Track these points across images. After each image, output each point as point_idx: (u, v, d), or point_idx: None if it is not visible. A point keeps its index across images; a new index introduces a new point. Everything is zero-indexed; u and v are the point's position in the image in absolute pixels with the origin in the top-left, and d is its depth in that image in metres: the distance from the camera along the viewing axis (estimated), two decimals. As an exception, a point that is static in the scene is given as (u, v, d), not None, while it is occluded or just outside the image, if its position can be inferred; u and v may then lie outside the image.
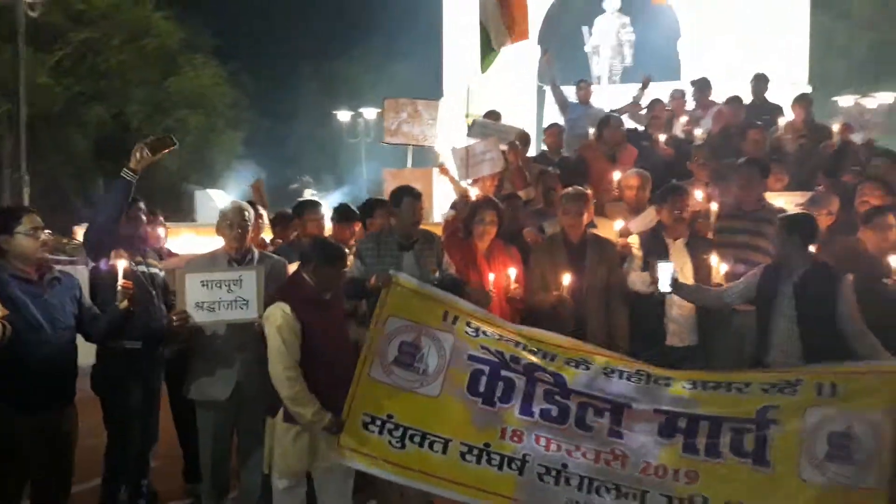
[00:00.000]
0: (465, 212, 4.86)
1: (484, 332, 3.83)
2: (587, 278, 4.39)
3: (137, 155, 3.81)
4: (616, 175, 5.56)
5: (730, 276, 4.45)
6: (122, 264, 3.54)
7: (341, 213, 5.33)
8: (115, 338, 3.69)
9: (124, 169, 3.81)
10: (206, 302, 3.75)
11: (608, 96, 12.94)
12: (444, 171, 6.88)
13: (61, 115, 24.34)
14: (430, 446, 3.69)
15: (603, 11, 15.94)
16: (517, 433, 3.66)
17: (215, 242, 4.23)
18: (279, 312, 3.62)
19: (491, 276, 4.32)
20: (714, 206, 5.08)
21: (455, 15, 16.73)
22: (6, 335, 2.91)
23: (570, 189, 4.68)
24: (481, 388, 3.74)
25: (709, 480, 3.41)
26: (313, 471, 3.82)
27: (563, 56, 16.20)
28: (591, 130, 6.95)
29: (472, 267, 4.48)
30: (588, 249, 4.51)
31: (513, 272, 4.33)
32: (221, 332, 3.96)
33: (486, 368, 3.76)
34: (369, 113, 26.38)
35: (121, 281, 3.49)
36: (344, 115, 26.48)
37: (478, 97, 15.38)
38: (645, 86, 8.79)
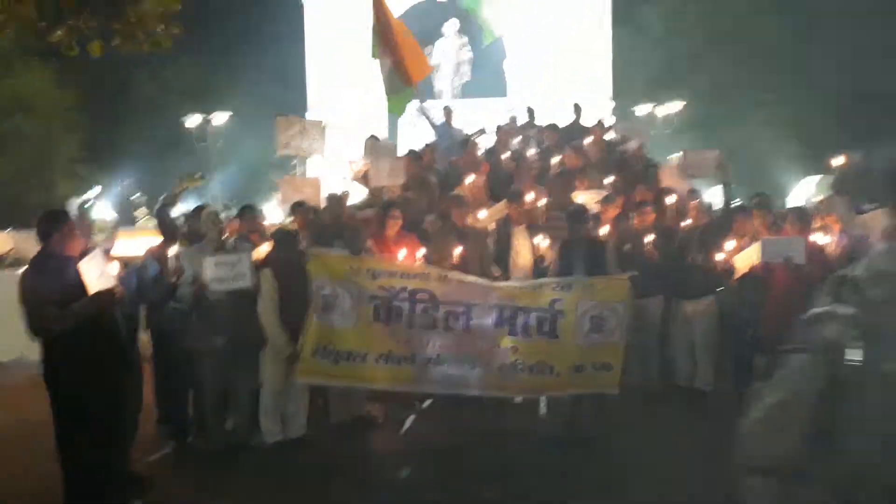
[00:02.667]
0: (377, 211, 6.83)
1: (379, 274, 5.67)
2: (470, 250, 6.53)
3: (174, 187, 5.63)
4: (469, 179, 7.82)
5: (553, 249, 6.81)
6: (173, 251, 5.26)
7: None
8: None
9: (167, 193, 5.58)
10: (218, 277, 5.45)
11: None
12: (358, 178, 8.72)
13: None
14: (354, 360, 5.63)
15: (443, 35, 18.23)
16: (406, 340, 5.67)
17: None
18: (266, 275, 5.54)
19: (401, 254, 6.31)
20: (541, 203, 7.43)
21: (317, 31, 18.29)
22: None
23: (458, 193, 6.86)
24: (381, 316, 5.67)
25: (525, 350, 5.68)
26: (285, 388, 5.73)
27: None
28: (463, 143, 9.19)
29: (385, 249, 6.46)
30: (469, 233, 6.70)
31: (420, 252, 6.29)
32: (219, 296, 5.61)
33: (380, 303, 5.66)
34: (219, 118, 27.12)
35: (172, 262, 5.21)
36: (194, 120, 26.90)
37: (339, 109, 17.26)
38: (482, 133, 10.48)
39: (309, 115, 17.27)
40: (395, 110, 9.34)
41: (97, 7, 6.29)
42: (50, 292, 4.24)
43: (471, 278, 5.86)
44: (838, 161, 6.10)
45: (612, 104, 19.05)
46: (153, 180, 30.30)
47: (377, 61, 9.20)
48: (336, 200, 6.31)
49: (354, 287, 5.66)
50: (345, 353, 5.61)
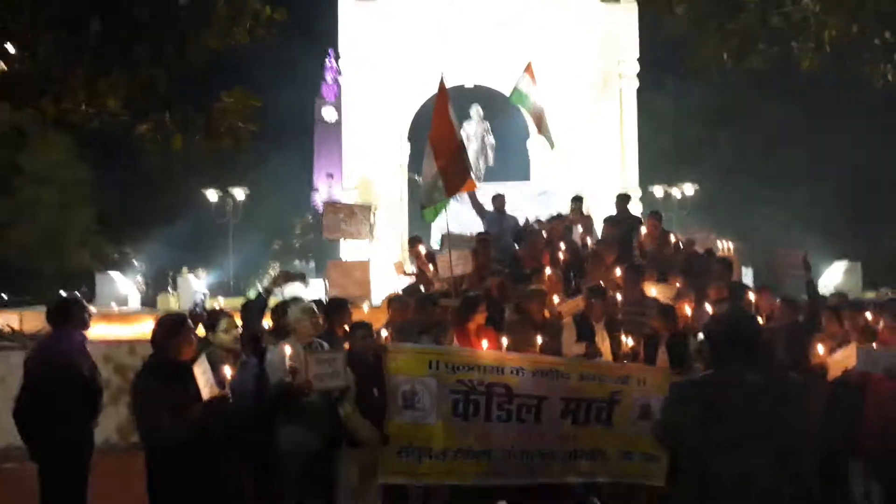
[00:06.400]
0: (458, 302, 6.78)
1: (458, 368, 5.64)
2: (549, 342, 6.39)
3: (271, 283, 5.51)
4: (547, 271, 7.78)
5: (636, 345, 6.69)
6: (288, 350, 5.10)
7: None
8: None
9: (263, 288, 5.41)
10: (318, 373, 5.20)
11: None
12: (400, 269, 8.69)
13: None
14: (435, 456, 5.55)
15: (469, 117, 18.50)
16: (484, 435, 5.65)
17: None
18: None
19: (485, 345, 6.14)
20: (619, 297, 7.35)
21: (355, 113, 18.58)
22: None
23: (539, 288, 6.83)
24: (460, 411, 5.62)
25: (585, 437, 5.76)
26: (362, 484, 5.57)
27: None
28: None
29: (467, 341, 6.33)
30: (548, 325, 6.62)
31: (502, 344, 6.18)
32: (314, 397, 5.31)
33: (461, 397, 5.62)
34: (237, 193, 27.31)
35: (288, 362, 5.04)
36: (212, 195, 27.04)
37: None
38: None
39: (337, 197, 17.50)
40: (430, 218, 8.79)
41: (182, 103, 6.32)
42: (165, 400, 4.09)
43: (546, 361, 5.90)
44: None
45: (640, 192, 19.20)
46: (164, 251, 30.38)
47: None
48: (426, 298, 6.23)
49: (433, 382, 5.59)
50: (426, 449, 5.55)
